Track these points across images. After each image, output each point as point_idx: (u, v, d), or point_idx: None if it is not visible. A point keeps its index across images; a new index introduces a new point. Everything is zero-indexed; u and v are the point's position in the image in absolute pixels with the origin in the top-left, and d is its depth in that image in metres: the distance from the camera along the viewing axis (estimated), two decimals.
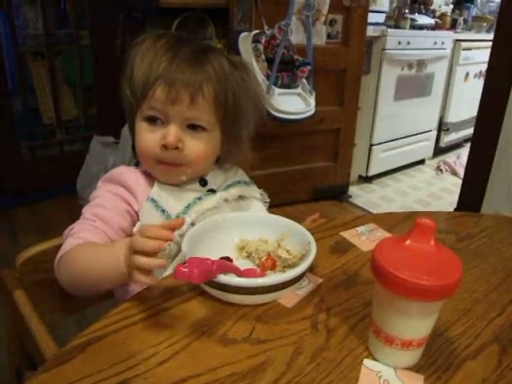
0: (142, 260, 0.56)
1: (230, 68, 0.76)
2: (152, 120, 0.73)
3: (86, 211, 0.73)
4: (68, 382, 0.48)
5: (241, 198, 0.82)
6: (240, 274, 0.63)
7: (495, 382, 0.52)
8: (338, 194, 2.77)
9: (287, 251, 0.71)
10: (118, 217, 0.73)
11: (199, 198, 0.77)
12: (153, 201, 0.74)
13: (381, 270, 0.48)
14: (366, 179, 3.06)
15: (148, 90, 0.71)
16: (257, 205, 0.85)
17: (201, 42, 0.80)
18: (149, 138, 0.74)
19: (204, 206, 0.75)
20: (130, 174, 0.77)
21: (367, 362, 0.53)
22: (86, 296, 0.74)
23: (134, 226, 0.75)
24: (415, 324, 0.51)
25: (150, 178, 0.78)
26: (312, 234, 0.70)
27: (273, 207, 0.90)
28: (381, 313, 0.52)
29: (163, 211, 0.74)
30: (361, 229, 0.85)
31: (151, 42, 0.74)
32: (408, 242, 0.50)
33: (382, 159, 3.04)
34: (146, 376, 0.49)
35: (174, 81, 0.70)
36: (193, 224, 0.72)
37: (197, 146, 0.74)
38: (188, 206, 0.75)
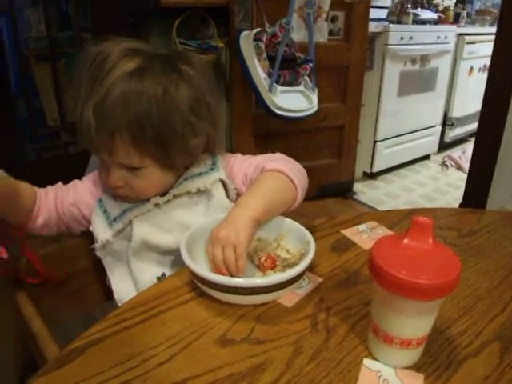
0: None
1: (147, 95, 0.68)
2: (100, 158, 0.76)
3: None
4: None
5: (190, 193, 0.78)
6: None
7: (496, 381, 0.51)
8: (343, 190, 2.76)
9: (287, 250, 0.71)
10: (79, 197, 0.80)
11: (136, 206, 0.78)
12: (100, 201, 0.79)
13: (378, 269, 0.48)
14: (371, 176, 3.05)
15: (79, 137, 0.73)
16: (216, 199, 0.79)
17: (106, 70, 0.69)
18: (102, 173, 0.78)
19: (134, 213, 0.77)
20: (96, 179, 0.83)
21: (367, 361, 0.53)
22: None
23: (84, 218, 0.81)
24: (414, 323, 0.50)
25: None
26: (312, 232, 0.70)
27: None
28: (379, 312, 0.52)
29: (105, 211, 0.78)
30: (362, 227, 0.85)
31: (82, 67, 0.72)
32: (406, 240, 0.50)
33: (386, 155, 3.02)
34: (146, 377, 0.50)
35: (87, 136, 0.70)
36: (121, 231, 0.77)
37: (139, 183, 0.75)
38: (124, 211, 0.77)
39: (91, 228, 0.79)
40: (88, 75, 0.70)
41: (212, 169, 0.80)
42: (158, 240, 0.77)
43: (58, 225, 0.81)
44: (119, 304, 0.78)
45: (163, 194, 0.78)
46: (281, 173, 0.76)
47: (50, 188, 0.81)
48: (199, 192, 0.78)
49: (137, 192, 0.77)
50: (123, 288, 0.79)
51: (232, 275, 0.63)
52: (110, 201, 0.79)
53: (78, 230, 0.83)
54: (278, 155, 0.83)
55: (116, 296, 0.79)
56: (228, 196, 0.81)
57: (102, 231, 0.77)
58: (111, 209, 0.78)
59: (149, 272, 0.78)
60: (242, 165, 0.83)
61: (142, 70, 0.69)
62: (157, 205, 0.77)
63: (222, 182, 0.80)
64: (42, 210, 0.78)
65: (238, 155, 0.86)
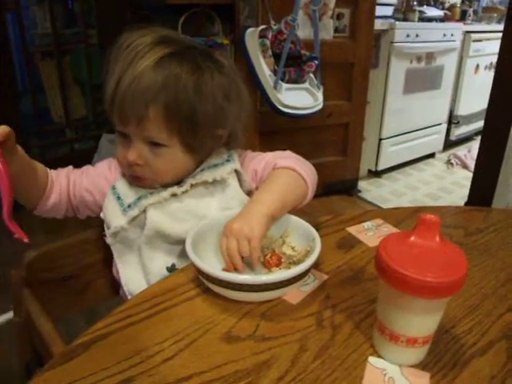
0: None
1: (185, 76, 0.71)
2: (122, 134, 0.76)
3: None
4: (73, 379, 0.48)
5: (206, 184, 0.79)
6: None
7: (503, 380, 0.51)
8: (348, 188, 2.76)
9: (292, 248, 0.70)
10: (92, 182, 0.80)
11: (151, 193, 0.77)
12: (113, 188, 0.79)
13: (385, 266, 0.48)
14: (376, 173, 3.04)
15: (110, 109, 0.74)
16: (232, 189, 0.80)
17: (157, 48, 0.72)
18: (120, 152, 0.77)
19: (150, 200, 0.76)
20: (110, 164, 0.83)
21: (372, 359, 0.53)
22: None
23: (95, 204, 0.81)
24: (420, 321, 0.50)
25: None
26: (318, 229, 0.70)
27: None
28: (385, 310, 0.52)
29: (118, 198, 0.78)
30: (367, 224, 0.84)
31: (118, 49, 0.74)
32: (413, 238, 0.49)
33: (391, 153, 3.01)
34: (151, 373, 0.50)
35: (121, 104, 0.71)
36: (135, 218, 0.76)
37: (157, 162, 0.75)
38: (139, 198, 0.77)
39: (102, 215, 0.79)
40: (125, 54, 0.72)
41: (228, 160, 0.82)
42: (170, 230, 0.76)
43: (67, 207, 0.81)
44: (127, 292, 0.79)
45: (178, 183, 0.78)
46: (292, 170, 0.77)
47: (60, 170, 0.81)
48: (215, 182, 0.79)
49: (155, 173, 0.76)
50: (131, 276, 0.79)
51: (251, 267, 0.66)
52: (125, 187, 0.79)
53: (84, 215, 0.83)
54: (288, 153, 0.84)
55: (124, 284, 0.79)
56: (241, 186, 0.81)
57: (115, 218, 0.76)
58: (125, 196, 0.78)
59: (158, 261, 0.78)
60: (252, 160, 0.84)
61: (181, 54, 0.72)
62: (174, 194, 0.77)
63: (237, 172, 0.81)
64: (53, 191, 0.78)
65: (249, 151, 0.87)
